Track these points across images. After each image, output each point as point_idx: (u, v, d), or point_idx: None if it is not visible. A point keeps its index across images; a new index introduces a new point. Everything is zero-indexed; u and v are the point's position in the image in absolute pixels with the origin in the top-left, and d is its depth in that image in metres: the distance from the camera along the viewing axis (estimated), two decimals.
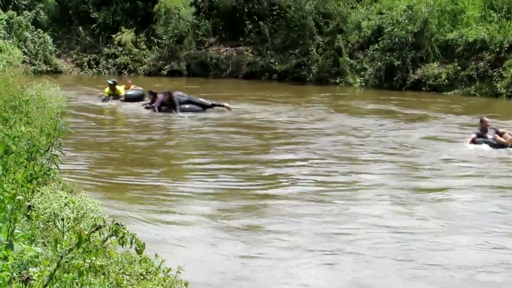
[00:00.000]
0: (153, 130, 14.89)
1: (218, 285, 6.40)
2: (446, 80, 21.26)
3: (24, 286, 2.97)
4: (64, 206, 3.18)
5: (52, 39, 25.65)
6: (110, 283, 3.82)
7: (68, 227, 3.20)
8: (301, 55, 24.30)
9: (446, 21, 22.61)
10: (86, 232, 3.04)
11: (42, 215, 3.21)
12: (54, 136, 5.42)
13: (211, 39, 26.70)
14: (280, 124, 15.43)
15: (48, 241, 4.23)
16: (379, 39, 22.86)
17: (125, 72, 25.54)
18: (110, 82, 18.36)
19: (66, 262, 3.03)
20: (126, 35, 25.93)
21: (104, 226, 3.11)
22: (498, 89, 20.12)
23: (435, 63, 21.91)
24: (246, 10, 26.20)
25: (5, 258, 3.01)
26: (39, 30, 25.47)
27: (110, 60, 26.00)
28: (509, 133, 12.76)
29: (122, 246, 3.17)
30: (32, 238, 3.60)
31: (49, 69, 24.82)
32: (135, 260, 5.01)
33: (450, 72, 21.32)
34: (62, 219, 3.20)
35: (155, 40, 25.93)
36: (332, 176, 10.65)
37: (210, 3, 26.87)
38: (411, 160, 11.83)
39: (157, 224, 7.97)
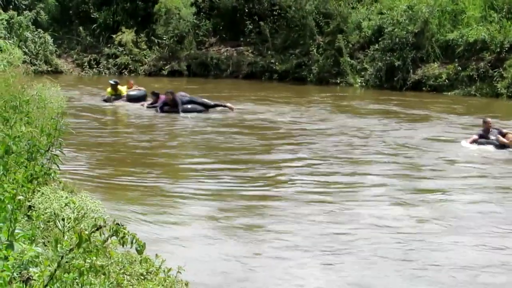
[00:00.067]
0: (156, 131, 14.87)
1: (218, 285, 6.40)
2: (446, 81, 21.24)
3: (24, 286, 2.97)
4: (65, 206, 3.18)
5: (52, 39, 25.64)
6: (111, 283, 3.82)
7: (69, 227, 3.20)
8: (302, 55, 24.30)
9: (447, 21, 22.60)
10: (86, 232, 3.04)
11: (43, 215, 3.21)
12: (55, 136, 5.42)
13: (212, 39, 26.70)
14: (283, 124, 15.41)
15: (48, 241, 4.23)
16: (380, 39, 22.85)
17: (126, 72, 25.53)
18: (112, 82, 18.35)
19: (66, 262, 3.03)
20: (127, 35, 25.93)
21: (105, 226, 3.10)
22: (499, 90, 20.10)
23: (435, 63, 21.90)
24: (247, 10, 26.20)
25: (6, 258, 3.01)
26: (39, 30, 25.47)
27: (110, 60, 25.99)
28: None
29: (123, 246, 3.17)
30: (33, 238, 3.60)
31: (49, 69, 24.80)
32: (135, 260, 5.01)
33: (451, 72, 21.30)
34: (63, 219, 3.19)
35: (156, 40, 25.93)
36: (333, 176, 10.64)
37: (211, 3, 26.86)
38: (413, 161, 11.82)
39: (157, 224, 7.97)
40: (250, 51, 25.65)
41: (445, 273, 6.69)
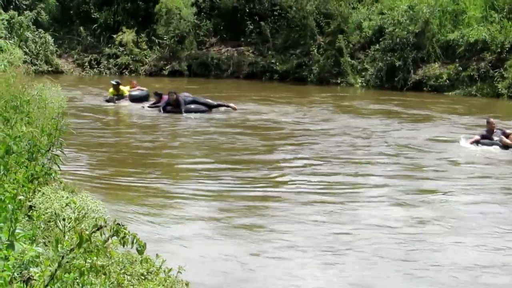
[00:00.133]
0: (158, 131, 14.86)
1: (219, 285, 6.40)
2: (447, 81, 21.23)
3: (25, 286, 2.97)
4: (65, 206, 3.18)
5: (53, 39, 25.64)
6: (111, 283, 3.82)
7: (69, 227, 3.20)
8: (302, 55, 24.29)
9: (447, 21, 22.59)
10: (87, 232, 3.04)
11: (43, 215, 3.21)
12: (55, 136, 5.42)
13: (212, 39, 26.69)
14: (286, 124, 15.40)
15: (49, 241, 4.23)
16: (380, 39, 22.84)
17: (126, 72, 25.52)
18: (113, 82, 18.34)
19: (67, 262, 3.03)
20: (127, 35, 25.93)
21: (105, 226, 3.10)
22: (499, 90, 20.10)
23: (436, 63, 21.89)
24: (247, 10, 26.19)
25: (6, 258, 3.01)
26: (40, 30, 25.47)
27: (111, 60, 25.99)
28: None
29: (123, 246, 3.17)
30: (33, 238, 3.60)
31: (50, 69, 24.80)
32: (136, 260, 5.01)
33: (451, 72, 21.29)
34: (63, 219, 3.19)
35: (156, 40, 25.93)
36: (335, 177, 10.63)
37: (211, 3, 26.86)
38: (415, 161, 11.79)
39: (158, 224, 7.96)
40: (250, 51, 25.65)
41: (446, 273, 6.68)
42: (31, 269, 3.03)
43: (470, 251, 7.32)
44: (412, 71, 21.91)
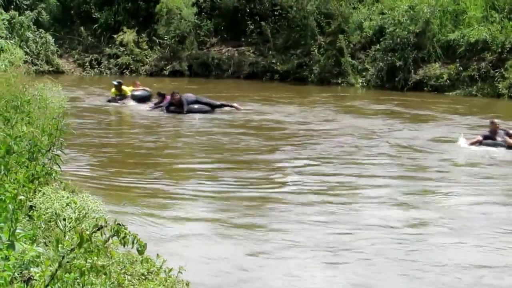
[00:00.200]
0: (161, 131, 14.84)
1: (219, 285, 6.39)
2: (447, 81, 21.23)
3: (25, 286, 2.96)
4: (66, 206, 3.18)
5: (53, 39, 25.65)
6: (112, 283, 3.82)
7: (70, 227, 3.20)
8: (303, 56, 24.28)
9: (448, 21, 22.58)
10: (87, 232, 3.04)
11: (44, 215, 3.20)
12: (56, 136, 5.42)
13: (213, 39, 26.69)
14: (289, 124, 15.38)
15: (49, 241, 4.23)
16: (381, 39, 22.83)
17: (127, 72, 25.53)
18: (115, 83, 18.34)
19: (67, 262, 3.02)
20: (128, 35, 25.93)
21: (106, 226, 3.10)
22: (500, 90, 20.09)
23: (436, 63, 21.88)
24: (248, 10, 26.19)
25: (7, 258, 3.01)
26: (41, 30, 25.48)
27: (111, 60, 25.99)
28: None
29: (124, 246, 3.16)
30: (34, 238, 3.60)
31: (50, 69, 24.81)
32: (136, 260, 5.01)
33: (452, 72, 21.29)
34: (64, 219, 3.19)
35: (157, 40, 25.93)
36: (337, 177, 10.61)
37: (212, 3, 26.86)
38: (417, 162, 11.77)
39: (158, 224, 7.96)
40: (251, 51, 25.64)
41: (448, 274, 6.66)
42: (31, 269, 3.03)
43: (471, 252, 7.31)
44: (412, 71, 21.90)
